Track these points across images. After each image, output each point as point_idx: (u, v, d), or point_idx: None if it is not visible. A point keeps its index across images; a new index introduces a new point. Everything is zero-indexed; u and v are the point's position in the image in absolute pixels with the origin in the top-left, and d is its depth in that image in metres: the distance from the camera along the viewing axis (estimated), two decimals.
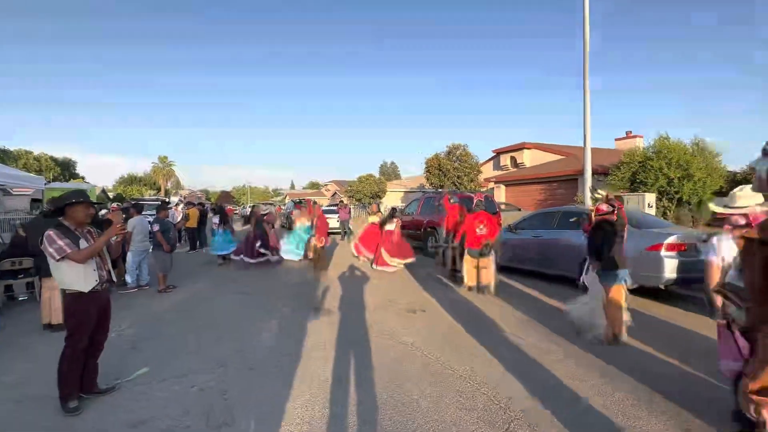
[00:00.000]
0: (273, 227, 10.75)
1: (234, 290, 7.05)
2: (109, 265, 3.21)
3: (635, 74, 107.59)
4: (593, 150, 11.15)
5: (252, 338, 4.46)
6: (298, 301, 6.15)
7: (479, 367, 3.62)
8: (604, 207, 4.50)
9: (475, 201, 7.23)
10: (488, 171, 25.95)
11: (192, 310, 5.78)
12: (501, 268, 7.80)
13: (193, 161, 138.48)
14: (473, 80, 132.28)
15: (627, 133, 22.94)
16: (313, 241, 9.19)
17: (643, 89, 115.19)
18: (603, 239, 4.32)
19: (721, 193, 14.00)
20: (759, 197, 2.67)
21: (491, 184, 23.15)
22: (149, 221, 7.49)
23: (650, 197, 11.89)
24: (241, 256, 9.44)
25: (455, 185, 22.27)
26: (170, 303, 6.18)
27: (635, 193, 12.78)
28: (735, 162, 33.35)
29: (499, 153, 26.01)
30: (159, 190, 56.18)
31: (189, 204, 14.48)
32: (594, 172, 13.73)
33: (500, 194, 21.82)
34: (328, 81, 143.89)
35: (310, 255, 9.43)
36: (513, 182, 21.63)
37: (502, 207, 16.07)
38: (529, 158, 24.13)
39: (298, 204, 12.49)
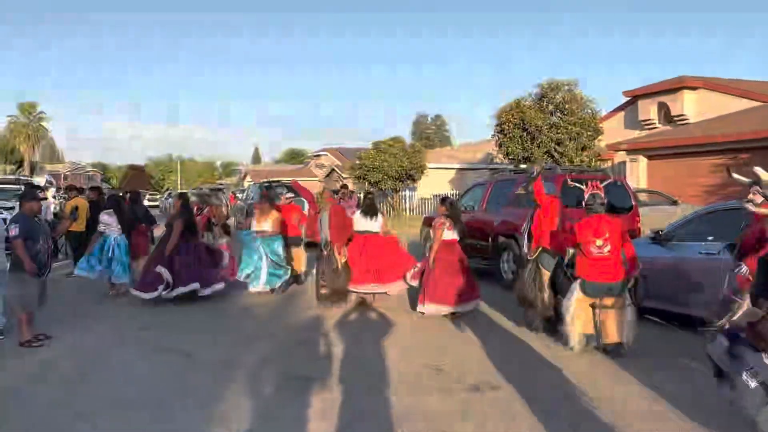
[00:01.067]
0: (221, 231, 10.88)
1: (159, 347, 7.14)
2: None
3: None
4: None
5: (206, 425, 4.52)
6: (277, 370, 6.19)
7: None
8: None
9: (587, 194, 7.10)
10: (616, 131, 25.52)
11: (77, 382, 5.82)
12: (642, 311, 7.67)
13: (81, 115, 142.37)
14: None
15: None
16: (337, 256, 9.19)
17: None
18: None
19: None
20: None
21: (621, 156, 22.75)
22: (3, 218, 7.71)
23: None
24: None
25: (552, 157, 21.93)
26: (42, 364, 6.30)
27: None
28: None
29: (636, 97, 25.63)
30: (20, 164, 57.79)
31: (71, 189, 14.80)
32: None
33: (638, 173, 21.41)
34: None
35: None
36: (663, 151, 21.18)
37: (643, 198, 15.80)
38: (693, 107, 23.64)
39: (267, 191, 12.64)
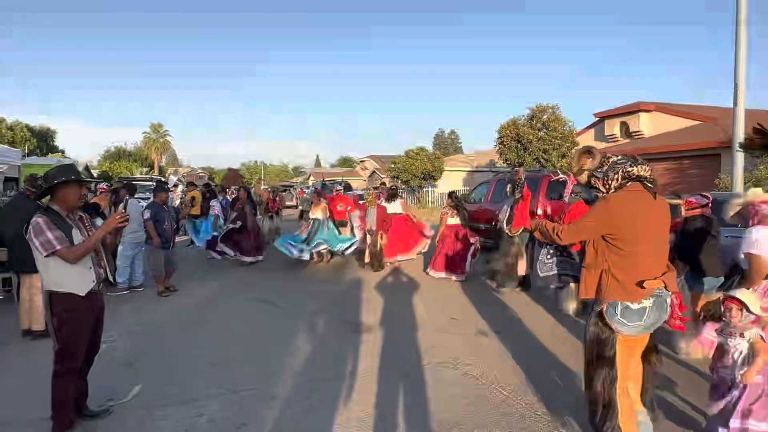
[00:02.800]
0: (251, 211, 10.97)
1: (250, 296, 7.38)
2: (105, 260, 3.45)
3: None
4: (749, 113, 10.34)
5: (273, 360, 4.65)
6: (333, 315, 6.33)
7: (571, 406, 3.55)
8: (699, 199, 4.97)
9: (569, 186, 6.93)
10: (587, 143, 24.95)
11: (197, 320, 6.11)
12: None
13: (193, 132, 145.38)
14: (565, 18, 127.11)
15: None
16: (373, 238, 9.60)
17: None
18: (693, 238, 4.78)
19: None
20: None
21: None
22: (142, 205, 7.96)
23: None
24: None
25: (539, 162, 21.64)
26: (170, 310, 6.57)
27: None
28: None
29: (603, 118, 24.93)
30: (152, 167, 59.42)
31: (191, 185, 15.22)
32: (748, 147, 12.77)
33: None
34: (366, 17, 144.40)
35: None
36: None
37: None
38: (647, 125, 22.92)
39: (319, 189, 12.77)
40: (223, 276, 8.94)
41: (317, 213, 10.23)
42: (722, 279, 4.41)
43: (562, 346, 5.09)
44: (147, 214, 7.39)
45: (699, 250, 4.77)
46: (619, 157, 2.98)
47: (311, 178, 59.06)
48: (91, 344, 3.39)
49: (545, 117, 22.52)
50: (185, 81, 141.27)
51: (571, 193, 6.86)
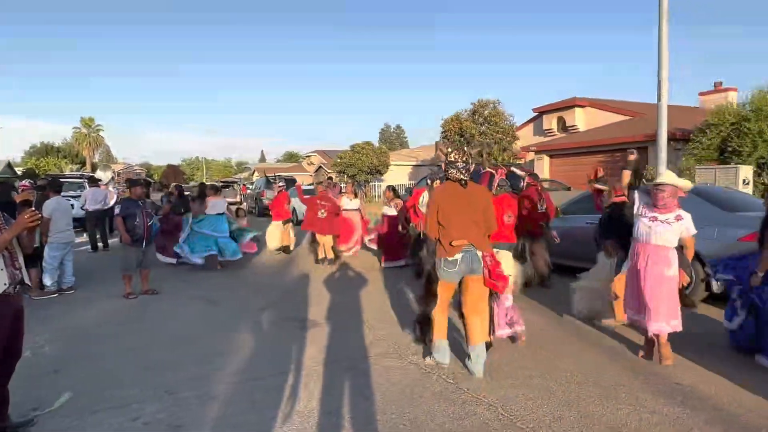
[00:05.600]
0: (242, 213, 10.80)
1: (190, 295, 7.15)
2: (21, 261, 3.22)
3: (729, 6, 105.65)
4: (671, 108, 11.04)
5: (214, 359, 4.52)
6: (278, 311, 6.23)
7: (515, 394, 3.67)
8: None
9: (497, 179, 7.22)
10: (527, 137, 25.80)
11: (133, 322, 5.85)
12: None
13: (129, 127, 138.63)
14: (505, 18, 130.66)
15: (716, 85, 22.72)
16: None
17: (740, 23, 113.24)
18: (621, 222, 5.11)
19: None
20: None
21: (531, 155, 23.05)
22: (72, 203, 7.55)
23: (746, 171, 11.84)
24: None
25: (482, 156, 22.16)
26: (103, 313, 6.25)
27: (725, 166, 12.72)
28: None
29: (541, 113, 25.82)
30: (83, 163, 56.26)
31: (131, 182, 14.51)
32: (671, 138, 13.63)
33: (543, 168, 21.74)
34: (311, 17, 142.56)
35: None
36: (560, 152, 21.52)
37: (547, 185, 16.04)
38: (582, 120, 23.96)
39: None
40: (161, 275, 8.59)
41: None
42: None
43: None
44: (117, 210, 7.08)
45: (627, 233, 5.06)
46: (449, 163, 4.15)
47: (255, 173, 57.82)
48: (9, 350, 3.16)
49: (487, 112, 23.04)
50: (122, 73, 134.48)
51: (497, 186, 7.11)
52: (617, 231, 5.19)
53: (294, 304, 6.60)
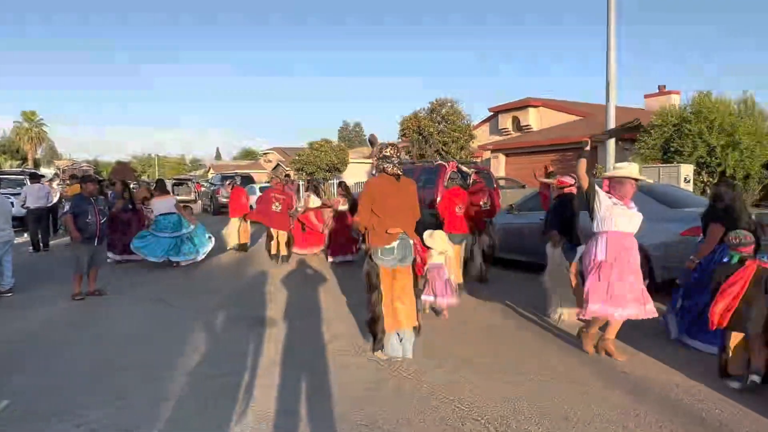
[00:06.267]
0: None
1: (141, 296, 6.91)
2: None
3: (675, 12, 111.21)
4: (618, 109, 11.50)
5: (165, 361, 4.38)
6: (233, 310, 6.10)
7: (471, 387, 3.72)
8: (568, 179, 5.54)
9: (447, 173, 7.40)
10: (484, 136, 26.30)
11: (79, 325, 5.60)
12: (499, 260, 8.04)
13: (76, 122, 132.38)
14: (462, 18, 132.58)
15: (660, 88, 23.80)
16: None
17: (684, 28, 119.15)
18: (572, 213, 5.39)
19: None
20: None
21: (487, 154, 23.49)
22: (11, 201, 7.15)
23: (687, 169, 12.48)
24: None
25: (440, 154, 22.39)
26: (47, 315, 5.94)
27: (668, 165, 13.36)
28: None
29: (497, 112, 26.35)
30: (24, 159, 53.36)
31: (73, 177, 13.89)
32: (619, 138, 14.21)
33: (499, 166, 22.20)
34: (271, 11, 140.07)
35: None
36: (515, 151, 22.04)
37: (502, 183, 16.39)
38: (536, 119, 24.60)
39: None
40: (109, 275, 8.24)
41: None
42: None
43: (462, 326, 5.33)
44: (66, 207, 6.74)
45: (570, 223, 5.42)
46: (384, 157, 4.39)
47: (211, 170, 56.48)
48: None
49: (445, 111, 23.32)
50: (69, 65, 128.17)
51: (449, 179, 7.27)
52: (562, 222, 5.45)
53: (250, 303, 6.47)
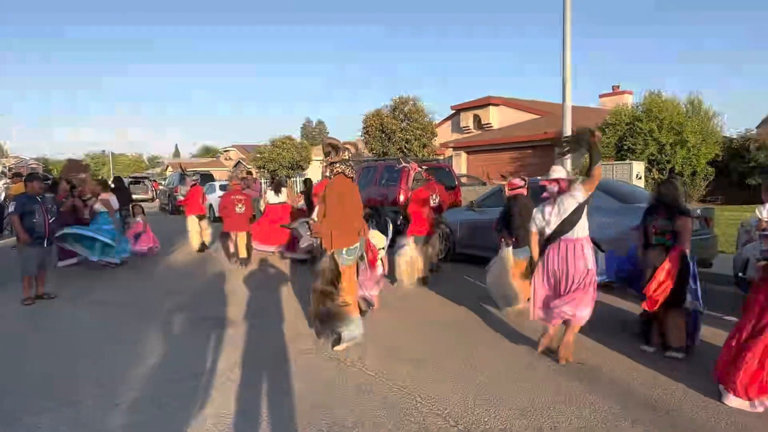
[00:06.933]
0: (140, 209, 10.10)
1: (95, 299, 6.66)
2: None
3: (631, 12, 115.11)
4: (574, 108, 11.85)
5: (120, 365, 4.24)
6: (192, 312, 5.96)
7: (432, 382, 3.76)
8: (518, 181, 5.76)
9: (412, 174, 7.47)
10: (446, 134, 26.58)
11: (29, 330, 5.37)
12: (460, 256, 8.17)
13: (24, 118, 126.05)
14: (426, 18, 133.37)
15: (614, 88, 24.68)
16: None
17: (641, 27, 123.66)
18: (514, 214, 5.59)
19: (715, 163, 15.67)
20: None
21: (449, 151, 23.75)
22: None
23: (638, 167, 12.98)
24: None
25: (403, 152, 22.49)
26: None
27: (621, 162, 13.85)
28: (731, 126, 37.31)
29: (459, 110, 26.71)
30: None
31: (17, 176, 13.22)
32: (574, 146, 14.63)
33: (461, 163, 22.50)
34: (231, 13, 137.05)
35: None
36: (476, 149, 22.39)
37: (464, 180, 16.62)
38: (496, 117, 25.05)
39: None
40: (62, 278, 7.90)
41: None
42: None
43: (424, 325, 5.37)
44: (11, 207, 6.31)
45: (519, 223, 5.56)
46: (342, 160, 4.51)
47: (169, 168, 54.95)
48: None
49: (407, 108, 23.40)
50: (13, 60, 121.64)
51: (414, 180, 7.34)
52: (510, 222, 5.67)
53: (209, 304, 6.32)
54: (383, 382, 3.83)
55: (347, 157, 4.57)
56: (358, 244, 4.54)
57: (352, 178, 4.60)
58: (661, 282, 4.12)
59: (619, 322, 5.18)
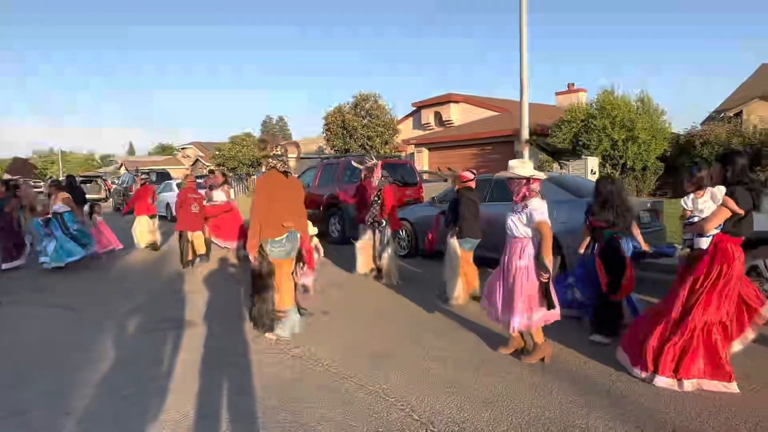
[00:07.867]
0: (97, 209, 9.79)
1: (44, 303, 6.38)
2: None
3: (586, 12, 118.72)
4: (532, 106, 12.15)
5: (72, 371, 4.07)
6: (149, 313, 5.78)
7: (395, 377, 3.77)
8: (469, 174, 5.91)
9: (378, 172, 7.45)
10: (407, 130, 26.72)
11: None
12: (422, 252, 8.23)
13: None
14: (384, 17, 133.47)
15: (569, 86, 25.36)
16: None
17: (595, 28, 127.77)
18: (469, 206, 5.72)
19: (664, 158, 16.37)
20: None
21: (411, 147, 23.89)
22: None
23: (593, 162, 13.40)
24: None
25: (365, 149, 22.47)
26: None
27: (577, 158, 14.27)
28: (678, 123, 39.04)
29: (420, 107, 26.89)
30: None
31: None
32: (533, 132, 14.99)
33: (422, 160, 22.67)
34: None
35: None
36: (438, 145, 22.60)
37: (426, 176, 16.75)
38: (457, 114, 25.35)
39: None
40: (6, 282, 7.50)
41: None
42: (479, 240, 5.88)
43: (383, 320, 5.39)
44: None
45: (466, 215, 5.70)
46: (275, 155, 4.64)
47: (123, 167, 53.08)
48: None
49: (368, 105, 23.39)
50: None
51: (381, 177, 7.34)
52: (458, 213, 5.82)
53: (166, 305, 6.15)
54: (345, 379, 3.81)
55: (280, 152, 4.67)
56: (284, 237, 4.59)
57: (285, 172, 4.68)
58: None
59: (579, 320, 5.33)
